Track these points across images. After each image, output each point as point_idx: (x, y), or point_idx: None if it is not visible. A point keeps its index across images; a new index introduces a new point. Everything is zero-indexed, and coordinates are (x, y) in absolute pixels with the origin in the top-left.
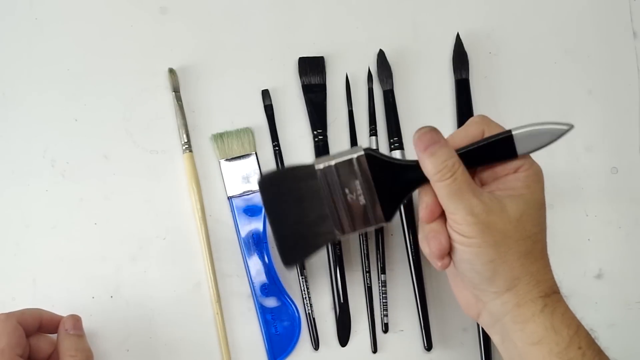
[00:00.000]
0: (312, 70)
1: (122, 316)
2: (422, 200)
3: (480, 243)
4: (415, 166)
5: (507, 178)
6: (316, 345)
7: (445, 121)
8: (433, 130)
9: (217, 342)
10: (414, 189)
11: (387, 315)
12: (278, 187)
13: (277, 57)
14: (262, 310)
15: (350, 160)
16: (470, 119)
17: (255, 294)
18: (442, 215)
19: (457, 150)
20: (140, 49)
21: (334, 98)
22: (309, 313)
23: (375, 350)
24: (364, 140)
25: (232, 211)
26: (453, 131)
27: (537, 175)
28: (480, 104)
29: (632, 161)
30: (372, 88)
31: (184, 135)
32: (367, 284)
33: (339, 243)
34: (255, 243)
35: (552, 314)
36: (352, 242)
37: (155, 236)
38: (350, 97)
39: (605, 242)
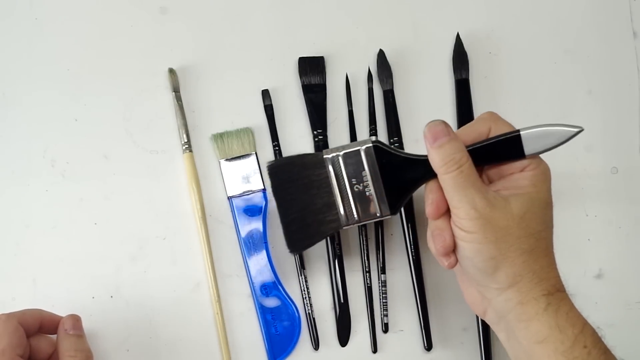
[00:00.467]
0: (312, 70)
1: (122, 316)
2: (427, 196)
3: (481, 239)
4: (423, 161)
5: (513, 176)
6: (316, 345)
7: (446, 121)
8: (443, 123)
9: (217, 342)
10: (421, 183)
11: (387, 315)
12: (287, 173)
13: (277, 57)
14: (262, 310)
15: (358, 151)
16: (479, 116)
17: (255, 294)
18: (447, 213)
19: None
20: (140, 49)
21: (334, 98)
22: (309, 313)
23: (375, 350)
24: None
25: (232, 211)
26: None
27: (544, 174)
28: (480, 104)
29: (632, 161)
30: (372, 88)
31: (184, 135)
32: (367, 284)
33: (339, 243)
34: (255, 243)
35: (556, 312)
36: (352, 242)
37: (155, 236)
38: (350, 97)
39: (605, 242)
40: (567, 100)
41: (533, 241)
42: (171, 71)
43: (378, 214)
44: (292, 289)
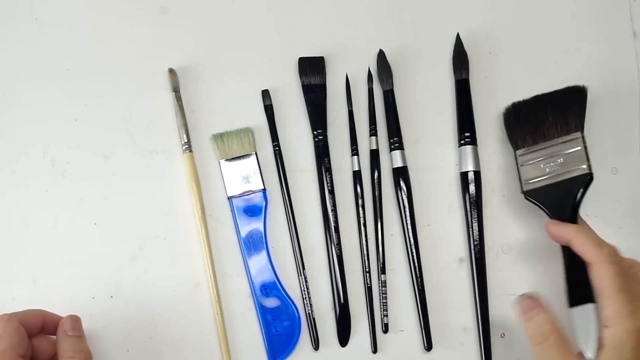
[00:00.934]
0: (312, 70)
1: (122, 316)
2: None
3: None
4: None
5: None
6: (316, 345)
7: (445, 121)
8: (532, 298)
9: (217, 342)
10: None
11: (387, 315)
12: None
13: (277, 57)
14: (262, 310)
15: None
16: (570, 226)
17: (255, 294)
18: None
19: None
20: (140, 49)
21: (334, 98)
22: (309, 313)
23: (375, 350)
24: (364, 140)
25: (232, 211)
26: (453, 130)
27: (628, 333)
28: (480, 104)
29: (632, 161)
30: (372, 88)
31: (184, 135)
32: (367, 284)
33: (339, 243)
34: (255, 243)
35: None
36: (352, 242)
37: (155, 236)
38: (350, 97)
39: None
40: None
41: None
42: (171, 71)
43: None
44: (292, 289)
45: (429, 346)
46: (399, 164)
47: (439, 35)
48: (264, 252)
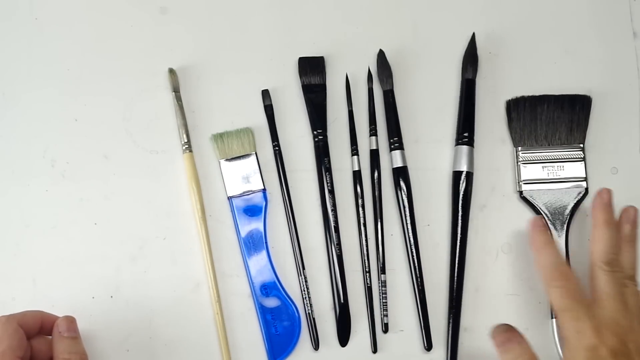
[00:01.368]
0: (312, 70)
1: (122, 316)
2: None
3: None
4: None
5: None
6: (316, 345)
7: (446, 121)
8: (508, 329)
9: (217, 342)
10: None
11: (387, 315)
12: None
13: (277, 57)
14: (262, 310)
15: None
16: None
17: (255, 294)
18: None
19: None
20: (140, 49)
21: (334, 98)
22: (309, 313)
23: (375, 350)
24: (364, 140)
25: (232, 211)
26: (453, 130)
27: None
28: (480, 104)
29: (632, 161)
30: (372, 88)
31: (184, 135)
32: (367, 284)
33: (339, 243)
34: (255, 243)
35: None
36: (352, 242)
37: (155, 236)
38: (350, 97)
39: None
40: None
41: None
42: (171, 71)
43: None
44: (292, 289)
45: (429, 346)
46: (399, 164)
47: (439, 35)
48: (264, 252)
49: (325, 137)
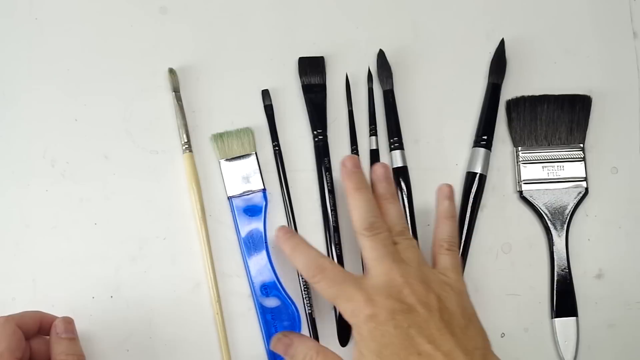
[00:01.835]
0: (312, 70)
1: (122, 316)
2: None
3: None
4: None
5: None
6: None
7: (445, 121)
8: (287, 335)
9: (217, 342)
10: None
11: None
12: None
13: (277, 57)
14: (262, 310)
15: None
16: None
17: (255, 294)
18: None
19: None
20: (140, 49)
21: (334, 98)
22: (309, 313)
23: None
24: (364, 140)
25: (232, 211)
26: (453, 130)
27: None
28: None
29: (632, 161)
30: (372, 88)
31: (184, 136)
32: None
33: (339, 243)
34: (255, 243)
35: None
36: (352, 242)
37: (155, 236)
38: (350, 97)
39: (605, 242)
40: None
41: None
42: (171, 71)
43: None
44: (292, 289)
45: None
46: (399, 164)
47: (439, 35)
48: (264, 252)
49: (325, 137)
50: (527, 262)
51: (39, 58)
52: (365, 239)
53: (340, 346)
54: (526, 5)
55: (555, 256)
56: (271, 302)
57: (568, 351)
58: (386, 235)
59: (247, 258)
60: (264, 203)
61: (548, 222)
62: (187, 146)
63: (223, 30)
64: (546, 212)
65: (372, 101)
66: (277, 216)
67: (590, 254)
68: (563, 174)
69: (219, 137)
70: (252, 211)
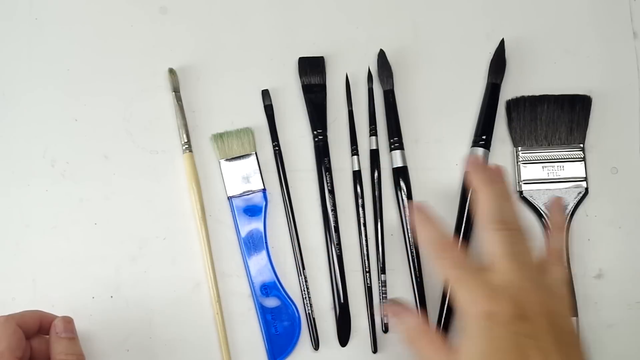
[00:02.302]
0: (312, 70)
1: (122, 316)
2: None
3: None
4: None
5: None
6: (316, 345)
7: (445, 121)
8: (399, 303)
9: (217, 342)
10: None
11: (387, 315)
12: None
13: (277, 57)
14: (262, 310)
15: None
16: None
17: (255, 294)
18: None
19: None
20: (140, 49)
21: (334, 98)
22: (309, 313)
23: (375, 350)
24: (364, 140)
25: (232, 211)
26: (453, 130)
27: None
28: None
29: (632, 161)
30: (372, 88)
31: (184, 135)
32: (367, 284)
33: (339, 243)
34: (255, 243)
35: None
36: (352, 242)
37: (155, 236)
38: (350, 97)
39: (605, 242)
40: None
41: None
42: (171, 71)
43: None
44: (292, 289)
45: None
46: (399, 164)
47: (439, 35)
48: (264, 252)
49: (325, 137)
50: None
51: (39, 58)
52: (493, 232)
53: (340, 346)
54: (526, 5)
55: None
56: (271, 302)
57: None
58: (511, 234)
59: (247, 258)
60: (264, 203)
61: (548, 222)
62: (187, 146)
63: (223, 30)
64: (546, 212)
65: (372, 101)
66: (277, 216)
67: (590, 254)
68: (563, 174)
69: (219, 137)
70: (252, 211)
